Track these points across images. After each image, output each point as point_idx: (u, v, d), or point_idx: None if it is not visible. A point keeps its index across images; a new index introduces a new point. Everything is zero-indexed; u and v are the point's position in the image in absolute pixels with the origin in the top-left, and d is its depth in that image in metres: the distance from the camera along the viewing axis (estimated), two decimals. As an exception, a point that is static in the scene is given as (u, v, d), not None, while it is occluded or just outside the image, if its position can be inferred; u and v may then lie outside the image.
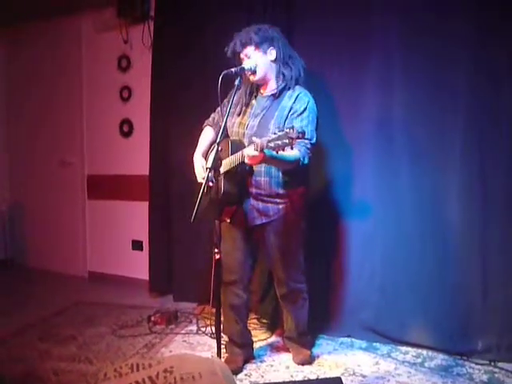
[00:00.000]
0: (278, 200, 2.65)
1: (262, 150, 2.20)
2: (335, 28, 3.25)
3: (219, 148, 2.38)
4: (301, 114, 2.56)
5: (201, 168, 2.75)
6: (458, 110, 2.92)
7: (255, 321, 3.53)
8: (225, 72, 2.46)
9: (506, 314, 2.82)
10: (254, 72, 2.60)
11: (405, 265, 3.08)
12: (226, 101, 2.73)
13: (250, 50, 2.61)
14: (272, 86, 2.68)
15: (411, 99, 3.03)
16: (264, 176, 2.61)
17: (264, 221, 2.67)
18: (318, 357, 2.98)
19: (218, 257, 2.35)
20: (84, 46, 4.87)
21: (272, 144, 2.14)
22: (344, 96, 3.24)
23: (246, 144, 2.55)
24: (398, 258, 3.10)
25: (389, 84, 3.10)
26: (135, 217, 4.56)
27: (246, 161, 2.32)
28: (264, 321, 3.53)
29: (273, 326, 3.43)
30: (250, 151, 2.27)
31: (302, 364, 2.88)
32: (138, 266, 4.52)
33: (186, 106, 3.90)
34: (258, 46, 2.60)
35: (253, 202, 2.65)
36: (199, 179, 2.75)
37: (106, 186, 4.80)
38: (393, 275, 3.12)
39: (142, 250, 4.56)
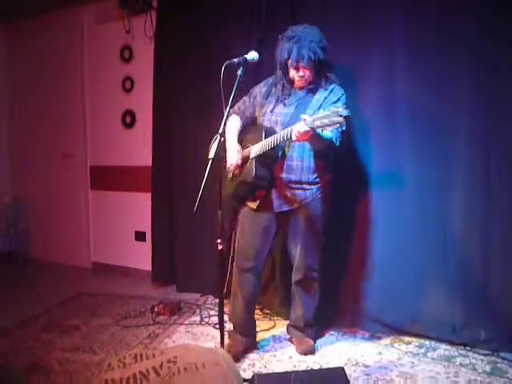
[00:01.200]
0: (307, 187, 2.70)
1: (310, 126, 2.27)
2: (337, 21, 3.22)
3: (221, 139, 2.37)
4: (334, 102, 2.63)
5: (235, 152, 2.77)
6: (462, 103, 2.91)
7: (258, 311, 3.54)
8: (227, 62, 2.46)
9: (508, 304, 2.81)
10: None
11: (407, 256, 3.08)
12: (258, 89, 2.83)
13: (311, 64, 2.62)
14: (309, 83, 2.73)
15: (415, 93, 3.01)
16: (296, 160, 2.67)
17: (291, 207, 2.71)
18: (320, 347, 2.98)
19: (220, 247, 2.35)
20: (86, 36, 4.85)
21: (319, 122, 2.21)
22: (346, 88, 3.21)
23: (279, 131, 2.60)
24: (401, 249, 3.10)
25: (392, 78, 3.08)
26: (138, 208, 4.57)
27: (294, 138, 2.37)
28: (267, 311, 3.54)
29: (275, 317, 3.43)
30: (301, 127, 2.31)
31: (305, 354, 2.88)
32: (141, 257, 4.53)
33: (188, 97, 3.90)
34: (317, 67, 2.66)
35: (282, 187, 2.69)
36: (230, 162, 2.77)
37: (108, 177, 4.81)
38: (395, 266, 3.12)
39: (145, 240, 4.57)
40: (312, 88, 2.73)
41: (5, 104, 5.46)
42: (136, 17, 4.41)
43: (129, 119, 4.65)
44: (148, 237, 4.48)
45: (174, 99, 4.04)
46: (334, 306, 3.29)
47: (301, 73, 2.66)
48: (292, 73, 2.69)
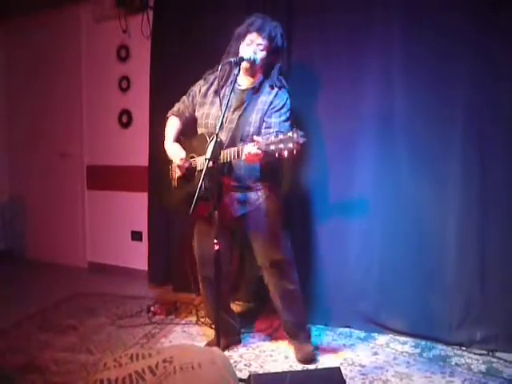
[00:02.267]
0: (259, 186, 2.69)
1: (263, 150, 2.22)
2: (335, 22, 3.23)
3: (217, 139, 2.36)
4: (279, 109, 2.59)
5: (177, 150, 2.77)
6: (458, 101, 2.91)
7: (253, 311, 3.55)
8: (224, 62, 2.47)
9: (504, 304, 2.83)
10: (252, 62, 2.56)
11: (403, 255, 3.08)
12: (204, 90, 2.75)
13: (266, 42, 2.58)
14: (253, 82, 2.69)
15: (411, 91, 3.02)
16: (244, 170, 2.62)
17: (248, 209, 2.69)
18: (317, 347, 2.98)
19: (217, 247, 2.35)
20: (83, 36, 4.84)
21: (273, 147, 2.16)
22: (344, 89, 3.22)
23: (225, 139, 2.55)
24: (397, 249, 3.11)
25: (389, 76, 3.08)
26: (134, 207, 4.56)
27: (244, 158, 2.32)
28: (262, 311, 3.53)
29: (271, 316, 3.42)
30: (252, 149, 2.26)
31: (305, 361, 2.79)
32: (138, 257, 4.52)
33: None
34: (275, 46, 2.61)
35: (233, 193, 2.66)
36: (176, 161, 2.77)
37: (105, 177, 4.80)
38: (391, 266, 3.13)
39: (141, 240, 4.56)
40: (256, 87, 2.66)
41: (2, 103, 5.44)
42: (133, 16, 4.40)
43: (125, 119, 4.64)
44: (144, 237, 4.47)
45: (171, 98, 4.02)
46: (330, 306, 3.30)
47: (256, 43, 2.57)
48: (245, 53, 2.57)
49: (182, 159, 2.72)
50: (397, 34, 3.04)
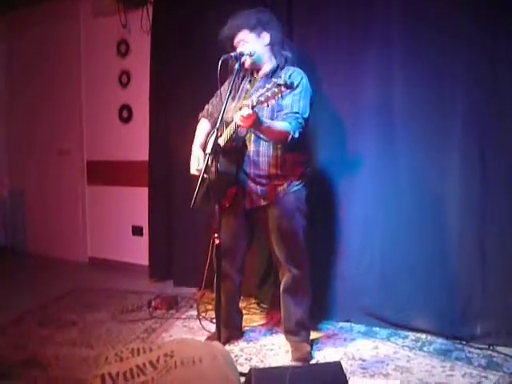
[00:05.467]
0: (277, 182, 2.61)
1: (253, 108, 2.21)
2: (336, 18, 3.23)
3: (219, 133, 2.37)
4: (294, 89, 2.49)
5: (195, 160, 2.76)
6: (458, 95, 2.90)
7: (255, 305, 3.56)
8: (224, 57, 2.45)
9: (504, 298, 2.82)
10: (252, 56, 2.57)
11: (404, 250, 3.08)
12: (223, 87, 2.72)
13: (244, 33, 2.59)
14: (266, 69, 2.68)
15: (411, 86, 3.02)
16: (262, 156, 2.59)
17: (262, 203, 2.64)
18: (317, 341, 2.99)
19: (217, 242, 2.34)
20: (82, 31, 4.84)
21: (262, 98, 2.15)
22: (344, 83, 3.22)
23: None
24: (398, 244, 3.11)
25: (388, 69, 3.07)
26: (135, 202, 4.56)
27: (239, 122, 2.28)
28: (264, 305, 3.55)
29: (272, 311, 3.43)
30: (242, 111, 2.24)
31: (300, 361, 2.70)
32: (139, 252, 4.53)
33: (185, 91, 3.89)
34: (252, 29, 2.59)
35: (251, 184, 2.62)
36: (192, 171, 2.76)
37: (105, 172, 4.80)
38: (392, 260, 3.13)
39: (142, 235, 4.57)
40: (268, 74, 2.65)
41: (1, 97, 5.44)
42: (132, 11, 4.39)
43: (126, 114, 4.64)
44: (145, 231, 4.47)
45: (171, 93, 4.03)
46: (330, 300, 3.30)
47: (245, 39, 2.59)
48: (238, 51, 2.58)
49: (198, 170, 2.71)
50: (396, 30, 3.03)
